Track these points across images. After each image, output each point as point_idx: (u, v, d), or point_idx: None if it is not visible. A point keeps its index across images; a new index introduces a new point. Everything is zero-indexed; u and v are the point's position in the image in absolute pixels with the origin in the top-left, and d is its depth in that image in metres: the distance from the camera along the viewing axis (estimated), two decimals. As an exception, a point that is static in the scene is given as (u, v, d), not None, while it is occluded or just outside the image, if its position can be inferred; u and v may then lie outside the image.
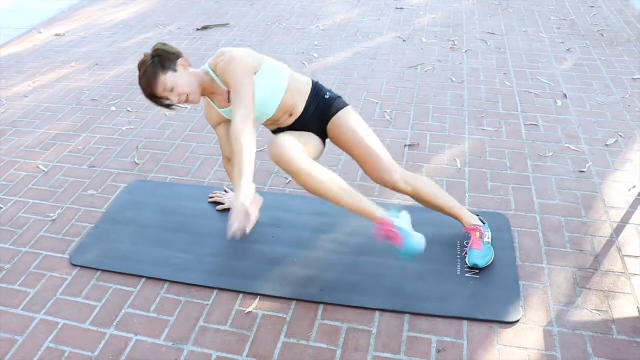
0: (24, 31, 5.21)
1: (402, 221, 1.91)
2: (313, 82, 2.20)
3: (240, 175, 1.80)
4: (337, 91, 3.68)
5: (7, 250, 2.39)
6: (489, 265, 2.16)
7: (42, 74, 4.20)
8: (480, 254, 2.13)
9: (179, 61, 1.98)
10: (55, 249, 2.39)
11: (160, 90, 1.95)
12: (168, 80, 1.94)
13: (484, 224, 2.25)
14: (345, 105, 2.18)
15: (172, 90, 1.95)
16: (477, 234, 2.17)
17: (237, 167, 1.83)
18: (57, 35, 5.06)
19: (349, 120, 2.15)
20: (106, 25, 5.25)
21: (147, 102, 3.60)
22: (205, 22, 5.17)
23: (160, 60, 1.94)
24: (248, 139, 1.84)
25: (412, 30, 4.74)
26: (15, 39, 5.02)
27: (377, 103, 3.51)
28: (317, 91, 2.17)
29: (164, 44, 2.00)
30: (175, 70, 1.96)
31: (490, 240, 2.20)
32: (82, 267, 2.27)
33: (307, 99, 2.14)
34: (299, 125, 2.17)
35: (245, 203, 1.74)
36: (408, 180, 2.16)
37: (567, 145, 2.98)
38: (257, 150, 3.01)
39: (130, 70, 4.19)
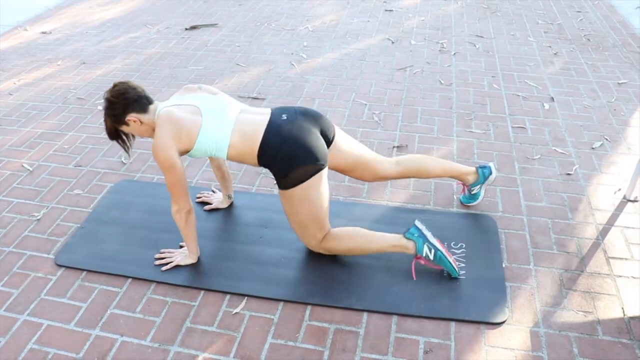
0: (8, 28, 5.15)
1: (429, 243, 2.10)
2: (270, 119, 2.07)
3: (193, 239, 2.20)
4: (325, 93, 3.68)
5: (-10, 250, 2.36)
6: (476, 267, 2.17)
7: (27, 71, 4.15)
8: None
9: (129, 117, 2.07)
10: (40, 248, 2.36)
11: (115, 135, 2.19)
12: (123, 129, 2.14)
13: (482, 174, 2.43)
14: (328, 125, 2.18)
15: (127, 134, 2.20)
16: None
17: (191, 231, 2.18)
18: (43, 32, 5.00)
19: (347, 142, 2.28)
20: (93, 24, 5.21)
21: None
22: (193, 22, 5.15)
23: (113, 112, 2.08)
24: (182, 226, 2.13)
25: (401, 33, 4.76)
26: (0, 36, 4.95)
27: (366, 104, 3.51)
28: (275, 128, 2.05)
29: (120, 94, 2.05)
30: (127, 124, 2.10)
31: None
32: (67, 267, 2.25)
33: (258, 150, 2.04)
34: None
35: (191, 261, 2.23)
36: (396, 165, 2.37)
37: (554, 148, 3.00)
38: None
39: (118, 69, 4.15)
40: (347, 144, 2.25)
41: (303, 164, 1.99)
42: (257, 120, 2.06)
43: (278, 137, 2.00)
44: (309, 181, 2.01)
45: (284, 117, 2.06)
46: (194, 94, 2.14)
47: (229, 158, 2.09)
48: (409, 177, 2.37)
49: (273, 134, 2.01)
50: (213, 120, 2.05)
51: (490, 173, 2.42)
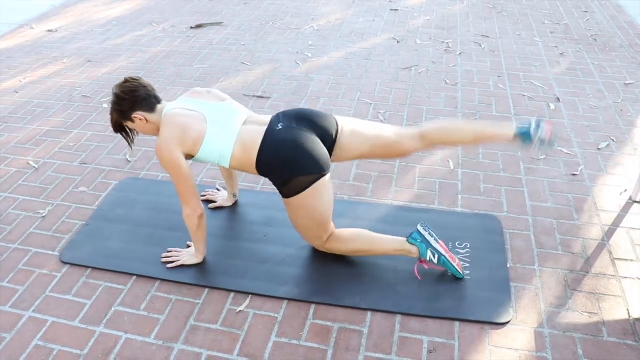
0: (15, 26, 5.17)
1: (432, 248, 2.09)
2: (269, 126, 2.07)
3: (203, 242, 2.19)
4: (330, 92, 3.68)
5: (-5, 247, 2.37)
6: (481, 267, 2.16)
7: (33, 69, 4.17)
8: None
9: (135, 115, 2.09)
10: (45, 246, 2.37)
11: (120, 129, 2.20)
12: (128, 124, 2.15)
13: (522, 141, 2.03)
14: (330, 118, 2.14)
15: (132, 129, 2.21)
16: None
17: (202, 234, 2.17)
18: (49, 31, 5.02)
19: (357, 130, 2.15)
20: (99, 22, 5.22)
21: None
22: (199, 21, 5.15)
23: (120, 108, 2.09)
24: (194, 230, 2.12)
25: (407, 32, 4.75)
26: (6, 34, 4.98)
27: (371, 104, 3.51)
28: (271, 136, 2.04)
29: (130, 92, 2.06)
30: (132, 121, 2.12)
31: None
32: (72, 264, 2.25)
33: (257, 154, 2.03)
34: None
35: (197, 261, 2.22)
36: (421, 140, 2.15)
37: (559, 148, 2.99)
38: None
39: (123, 67, 4.16)
40: (357, 133, 2.13)
41: (302, 173, 1.98)
42: (256, 131, 2.06)
43: (273, 148, 2.00)
44: (309, 189, 2.00)
45: (280, 126, 2.04)
46: (202, 99, 2.14)
47: (231, 167, 2.11)
48: (438, 146, 2.19)
49: (269, 145, 2.01)
50: (218, 130, 2.06)
51: (530, 138, 2.02)
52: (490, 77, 3.84)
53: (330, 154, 2.12)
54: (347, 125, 2.15)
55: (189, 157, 2.09)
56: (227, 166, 2.10)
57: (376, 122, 2.15)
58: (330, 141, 2.11)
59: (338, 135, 2.13)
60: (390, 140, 2.13)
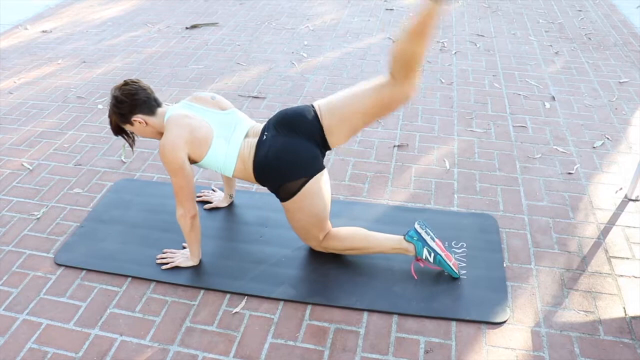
0: (9, 27, 5.14)
1: (428, 246, 2.08)
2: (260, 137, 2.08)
3: (197, 243, 2.17)
4: (326, 92, 3.67)
5: (-11, 249, 2.35)
6: (477, 266, 2.16)
7: (27, 70, 4.15)
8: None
9: (135, 118, 2.08)
10: (39, 247, 2.35)
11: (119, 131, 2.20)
12: (127, 127, 2.14)
13: None
14: (306, 108, 2.06)
15: (131, 132, 2.19)
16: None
17: (195, 235, 2.16)
18: (43, 31, 5.00)
19: (342, 104, 2.00)
20: (94, 23, 5.20)
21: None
22: (194, 21, 5.14)
23: (120, 111, 2.07)
24: (187, 230, 2.11)
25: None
26: (0, 34, 4.95)
27: (367, 103, 3.50)
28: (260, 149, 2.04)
29: (129, 94, 2.05)
30: (132, 124, 2.10)
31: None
32: (66, 266, 2.24)
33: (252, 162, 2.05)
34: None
35: (192, 263, 2.21)
36: (393, 76, 1.94)
37: (555, 147, 2.99)
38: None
39: (118, 68, 4.15)
40: (336, 112, 1.99)
41: (288, 180, 2.00)
42: (252, 144, 2.08)
43: (261, 160, 2.03)
44: (299, 194, 2.01)
45: (265, 136, 2.06)
46: (206, 106, 2.14)
47: (234, 177, 2.14)
48: (412, 69, 1.93)
49: (258, 157, 2.04)
50: (222, 142, 2.07)
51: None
52: (486, 76, 3.85)
53: (326, 143, 2.05)
54: (324, 109, 2.02)
55: (192, 162, 2.10)
56: (230, 176, 2.13)
57: (352, 88, 2.00)
58: (318, 133, 2.02)
59: (321, 123, 2.02)
60: (372, 104, 1.95)
